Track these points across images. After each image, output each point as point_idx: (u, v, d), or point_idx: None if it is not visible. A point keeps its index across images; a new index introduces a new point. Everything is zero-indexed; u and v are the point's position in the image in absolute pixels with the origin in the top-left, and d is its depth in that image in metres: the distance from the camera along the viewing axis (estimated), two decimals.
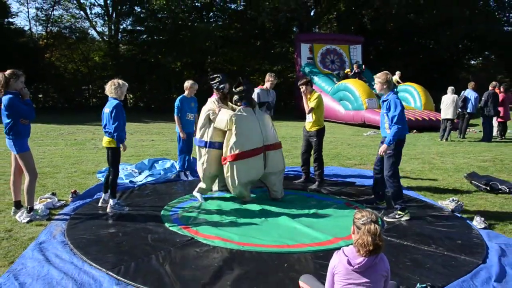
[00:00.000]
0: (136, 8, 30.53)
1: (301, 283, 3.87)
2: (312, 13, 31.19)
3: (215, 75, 7.19)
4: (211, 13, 32.01)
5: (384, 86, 6.34)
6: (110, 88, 6.23)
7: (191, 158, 8.90)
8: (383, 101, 6.39)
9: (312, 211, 6.50)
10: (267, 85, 8.62)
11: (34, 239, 5.11)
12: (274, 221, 6.02)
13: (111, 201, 6.26)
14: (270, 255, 4.83)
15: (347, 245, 5.05)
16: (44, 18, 31.60)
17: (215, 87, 7.08)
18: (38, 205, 6.18)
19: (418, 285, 3.96)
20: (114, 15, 31.22)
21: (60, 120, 20.38)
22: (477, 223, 6.06)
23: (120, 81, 6.29)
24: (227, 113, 6.62)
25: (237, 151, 6.50)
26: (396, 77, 21.74)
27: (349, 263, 3.28)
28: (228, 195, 7.28)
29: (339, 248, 5.01)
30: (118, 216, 6.04)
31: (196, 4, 29.57)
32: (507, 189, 7.96)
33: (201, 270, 4.38)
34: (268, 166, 6.86)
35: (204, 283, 4.08)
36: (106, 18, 31.61)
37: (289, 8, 26.30)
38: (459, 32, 32.56)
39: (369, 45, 28.25)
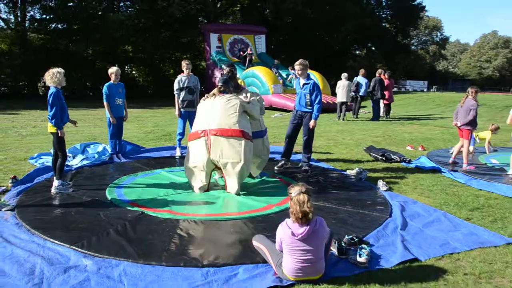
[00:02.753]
0: None
1: (254, 242, 4.12)
2: (218, 5, 31.18)
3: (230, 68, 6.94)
4: (122, 3, 30.87)
5: (304, 71, 7.46)
6: (47, 78, 6.06)
7: (122, 141, 8.82)
8: (304, 84, 7.41)
9: (244, 184, 6.74)
10: (186, 71, 8.75)
11: None
12: (214, 194, 6.23)
13: (56, 182, 6.09)
14: (217, 222, 5.07)
15: (280, 210, 5.54)
16: None
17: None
18: None
19: (346, 236, 4.44)
20: (19, 2, 28.84)
21: None
22: (380, 186, 6.76)
23: (55, 70, 6.09)
24: None
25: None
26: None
27: (293, 234, 3.64)
28: (175, 171, 7.42)
29: (273, 213, 5.49)
30: (65, 197, 5.88)
31: None
32: (399, 159, 8.88)
33: (158, 239, 4.49)
34: (212, 153, 6.00)
35: (165, 249, 4.21)
36: (11, 5, 29.11)
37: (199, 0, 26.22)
38: (349, 26, 34.48)
39: (271, 36, 28.94)
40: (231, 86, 6.70)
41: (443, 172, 7.92)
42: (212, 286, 3.55)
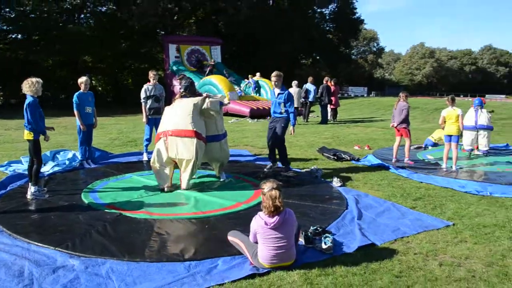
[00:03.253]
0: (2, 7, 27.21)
1: (230, 238, 4.22)
2: (175, 17, 30.97)
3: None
4: (82, 15, 30.03)
5: (279, 81, 7.76)
6: (25, 87, 5.94)
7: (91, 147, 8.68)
8: (279, 94, 7.76)
9: (213, 185, 6.88)
10: (152, 81, 8.78)
11: None
12: (185, 194, 6.27)
13: (32, 188, 5.94)
14: (191, 220, 5.13)
15: (248, 207, 5.67)
16: None
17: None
18: None
19: (311, 227, 4.64)
20: None
21: None
22: (335, 182, 7.03)
23: (34, 79, 5.99)
24: None
25: None
26: (257, 76, 23.11)
27: (266, 223, 3.81)
28: (145, 174, 7.43)
29: (242, 210, 5.61)
30: (42, 202, 5.76)
31: (68, 6, 27.39)
32: (349, 157, 9.25)
33: (139, 238, 4.51)
34: (169, 151, 6.31)
35: (146, 247, 4.24)
36: None
37: (157, 13, 25.97)
38: (295, 38, 35.21)
39: (225, 47, 29.07)
40: (191, 91, 6.98)
41: (388, 168, 8.33)
42: (196, 277, 3.64)
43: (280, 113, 7.72)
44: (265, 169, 7.93)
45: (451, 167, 8.41)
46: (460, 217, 5.41)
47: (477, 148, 10.23)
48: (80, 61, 30.53)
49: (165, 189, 6.39)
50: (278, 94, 7.76)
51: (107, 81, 31.46)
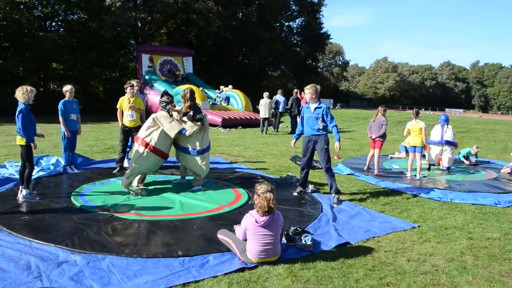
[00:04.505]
0: None
1: (219, 236, 4.59)
2: (146, 28, 31.02)
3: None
4: (54, 23, 29.62)
5: (314, 96, 6.85)
6: (18, 93, 6.11)
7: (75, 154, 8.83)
8: (317, 108, 6.83)
9: (196, 191, 7.12)
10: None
11: None
12: (171, 198, 6.57)
13: (24, 191, 6.08)
14: (180, 221, 5.44)
15: (231, 210, 6.01)
16: None
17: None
18: None
19: (291, 227, 5.05)
20: None
21: None
22: (309, 188, 7.50)
23: (29, 87, 6.19)
24: None
25: None
26: (229, 87, 23.53)
27: (256, 221, 4.22)
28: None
29: (226, 212, 5.96)
30: (34, 205, 5.90)
31: (40, 14, 26.95)
32: (320, 166, 9.71)
33: (132, 236, 4.80)
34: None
35: (141, 245, 4.54)
36: None
37: (129, 23, 26.02)
38: (264, 50, 35.96)
39: (195, 57, 29.38)
40: (169, 107, 7.24)
41: (358, 176, 8.88)
42: (191, 271, 3.98)
43: (319, 129, 6.83)
44: (294, 193, 7.21)
45: (415, 175, 9.06)
46: (424, 220, 5.97)
47: (439, 163, 10.55)
48: (51, 68, 30.07)
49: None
50: (315, 108, 6.83)
51: (78, 89, 30.96)
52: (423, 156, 10.09)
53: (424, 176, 9.26)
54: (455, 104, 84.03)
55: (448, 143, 10.07)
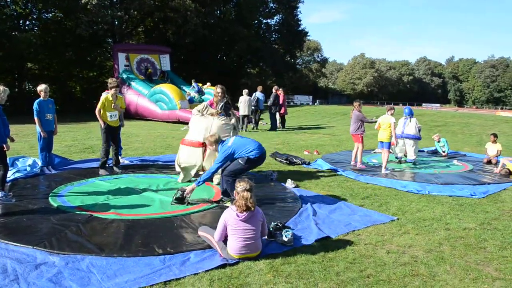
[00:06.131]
0: None
1: (200, 233, 4.59)
2: (123, 26, 30.57)
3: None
4: (28, 22, 28.91)
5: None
6: None
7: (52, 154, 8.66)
8: None
9: (175, 187, 7.07)
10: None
11: None
12: (150, 196, 6.52)
13: None
14: (159, 219, 5.39)
15: (210, 208, 5.99)
16: None
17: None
18: None
19: (272, 223, 5.06)
20: None
21: None
22: (289, 184, 7.53)
23: (1, 87, 6.03)
24: None
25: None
26: (207, 85, 23.27)
27: (237, 215, 4.22)
28: (107, 179, 7.56)
29: (205, 209, 5.95)
30: (11, 207, 5.76)
31: (13, 13, 26.23)
32: (300, 161, 9.81)
33: (112, 236, 4.74)
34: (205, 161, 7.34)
35: (121, 244, 4.48)
36: None
37: (106, 21, 25.61)
38: (242, 48, 35.89)
39: (173, 55, 29.11)
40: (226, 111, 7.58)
41: (337, 171, 8.96)
42: (172, 269, 3.95)
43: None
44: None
45: (388, 169, 9.14)
46: (403, 212, 6.07)
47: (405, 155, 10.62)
48: (26, 68, 29.40)
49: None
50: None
51: (55, 89, 30.38)
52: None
53: (393, 169, 9.41)
54: (432, 99, 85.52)
55: (407, 137, 10.16)
